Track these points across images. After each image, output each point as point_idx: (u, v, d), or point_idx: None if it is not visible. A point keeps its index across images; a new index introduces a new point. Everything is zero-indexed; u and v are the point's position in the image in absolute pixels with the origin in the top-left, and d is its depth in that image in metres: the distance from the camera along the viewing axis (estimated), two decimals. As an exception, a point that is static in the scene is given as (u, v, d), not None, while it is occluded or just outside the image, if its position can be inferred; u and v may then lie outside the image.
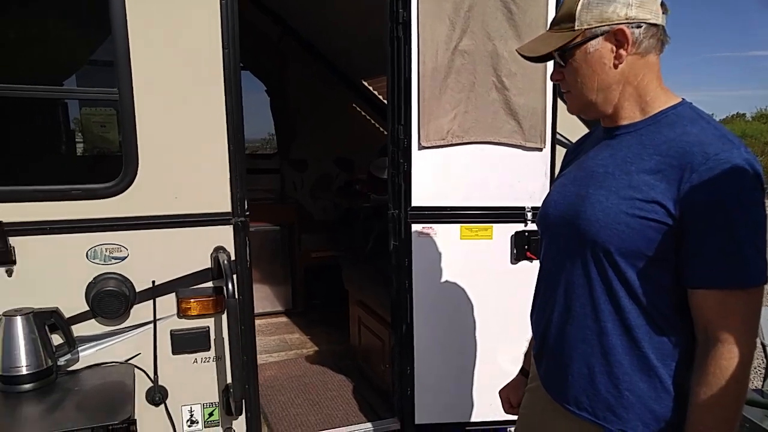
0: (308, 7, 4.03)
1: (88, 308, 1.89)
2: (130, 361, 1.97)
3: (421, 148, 2.34)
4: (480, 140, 2.39)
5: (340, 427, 2.67)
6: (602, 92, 1.22)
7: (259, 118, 5.16)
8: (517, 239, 2.45)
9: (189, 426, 2.08)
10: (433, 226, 2.41)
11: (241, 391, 1.99)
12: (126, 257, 1.94)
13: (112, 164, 1.96)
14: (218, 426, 2.13)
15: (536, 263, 1.45)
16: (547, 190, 1.59)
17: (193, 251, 2.01)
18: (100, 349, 1.94)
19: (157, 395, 1.99)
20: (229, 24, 1.94)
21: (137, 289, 1.96)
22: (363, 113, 4.97)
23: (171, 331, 2.01)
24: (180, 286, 2.01)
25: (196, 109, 1.96)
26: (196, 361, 2.06)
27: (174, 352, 2.02)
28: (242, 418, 2.13)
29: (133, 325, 1.97)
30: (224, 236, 2.04)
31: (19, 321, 1.73)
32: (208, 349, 2.07)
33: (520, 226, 2.45)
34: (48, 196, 1.85)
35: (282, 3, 4.36)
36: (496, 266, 2.46)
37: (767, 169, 2.16)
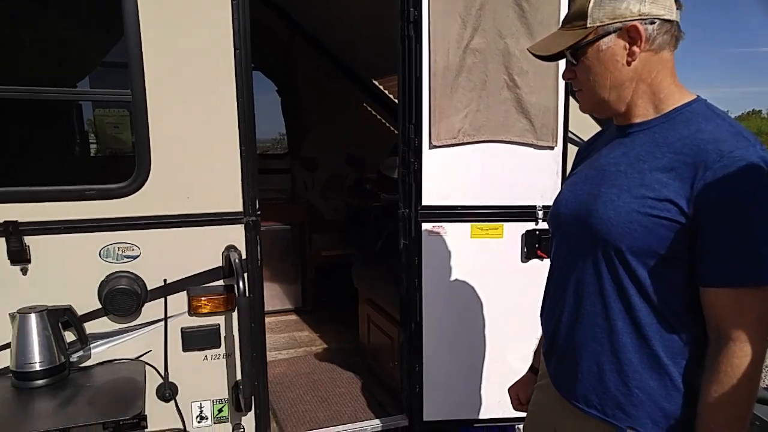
0: (318, 6, 4.03)
1: (100, 306, 1.92)
2: (141, 358, 1.99)
3: (431, 147, 2.34)
4: (491, 139, 2.38)
5: (348, 423, 2.68)
6: (615, 90, 1.21)
7: (270, 118, 5.19)
8: (528, 238, 2.44)
9: (198, 422, 2.10)
10: (444, 224, 2.40)
11: (250, 387, 2.01)
12: (138, 256, 1.95)
13: (125, 164, 1.98)
14: (227, 422, 2.14)
15: (547, 262, 1.44)
16: (559, 189, 1.58)
17: (204, 250, 2.03)
18: (111, 346, 1.96)
19: (168, 391, 2.01)
20: (241, 25, 1.95)
21: (149, 288, 1.97)
22: (374, 113, 4.97)
23: (182, 328, 2.03)
24: (191, 284, 2.02)
25: (208, 109, 1.97)
26: (206, 358, 2.08)
27: (184, 350, 2.04)
28: (251, 414, 2.14)
29: (144, 323, 1.99)
30: (236, 235, 2.05)
31: (33, 318, 1.75)
32: (219, 346, 2.08)
33: (530, 225, 2.44)
34: (62, 196, 1.88)
35: (293, 2, 4.38)
36: (507, 265, 2.45)
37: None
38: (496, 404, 2.48)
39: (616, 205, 1.17)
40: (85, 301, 1.91)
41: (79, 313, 1.90)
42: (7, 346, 1.80)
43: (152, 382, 1.98)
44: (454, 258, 2.42)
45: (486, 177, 2.41)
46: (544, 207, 2.41)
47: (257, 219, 2.07)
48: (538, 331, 1.48)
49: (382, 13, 2.62)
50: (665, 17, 1.15)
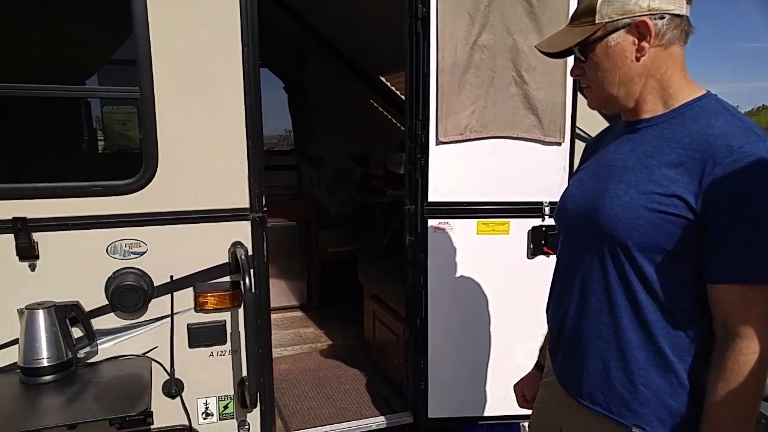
0: (326, 3, 4.03)
1: (107, 302, 1.93)
2: (147, 354, 2.00)
3: (438, 143, 2.33)
4: (498, 135, 2.37)
5: (353, 420, 2.68)
6: (624, 86, 1.20)
7: (277, 115, 5.19)
8: (534, 234, 2.43)
9: (204, 418, 2.10)
10: (450, 221, 2.39)
11: (256, 384, 2.01)
12: (145, 252, 1.96)
13: (133, 161, 1.98)
14: (233, 418, 2.15)
15: (553, 258, 1.44)
16: (566, 185, 1.57)
17: (211, 246, 2.03)
18: (118, 342, 1.97)
19: (174, 388, 2.02)
20: (249, 22, 1.96)
21: (155, 284, 1.98)
22: (380, 109, 4.96)
23: (188, 324, 2.04)
24: (197, 280, 2.03)
25: (215, 106, 1.98)
26: (212, 354, 2.08)
27: (191, 346, 2.05)
28: (257, 410, 2.15)
29: (150, 319, 1.99)
30: (242, 232, 2.05)
31: (41, 314, 1.76)
32: (224, 342, 2.09)
33: (537, 221, 2.43)
34: (70, 193, 1.89)
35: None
36: (513, 261, 2.44)
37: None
38: (501, 401, 2.48)
39: (623, 201, 1.16)
40: (93, 297, 1.92)
41: (87, 309, 1.91)
42: (15, 342, 1.81)
43: (158, 378, 1.99)
44: (460, 254, 2.42)
45: (492, 173, 2.40)
46: (550, 203, 2.40)
47: (264, 215, 2.08)
48: (544, 328, 1.48)
49: (391, 9, 2.62)
50: (675, 12, 1.14)
